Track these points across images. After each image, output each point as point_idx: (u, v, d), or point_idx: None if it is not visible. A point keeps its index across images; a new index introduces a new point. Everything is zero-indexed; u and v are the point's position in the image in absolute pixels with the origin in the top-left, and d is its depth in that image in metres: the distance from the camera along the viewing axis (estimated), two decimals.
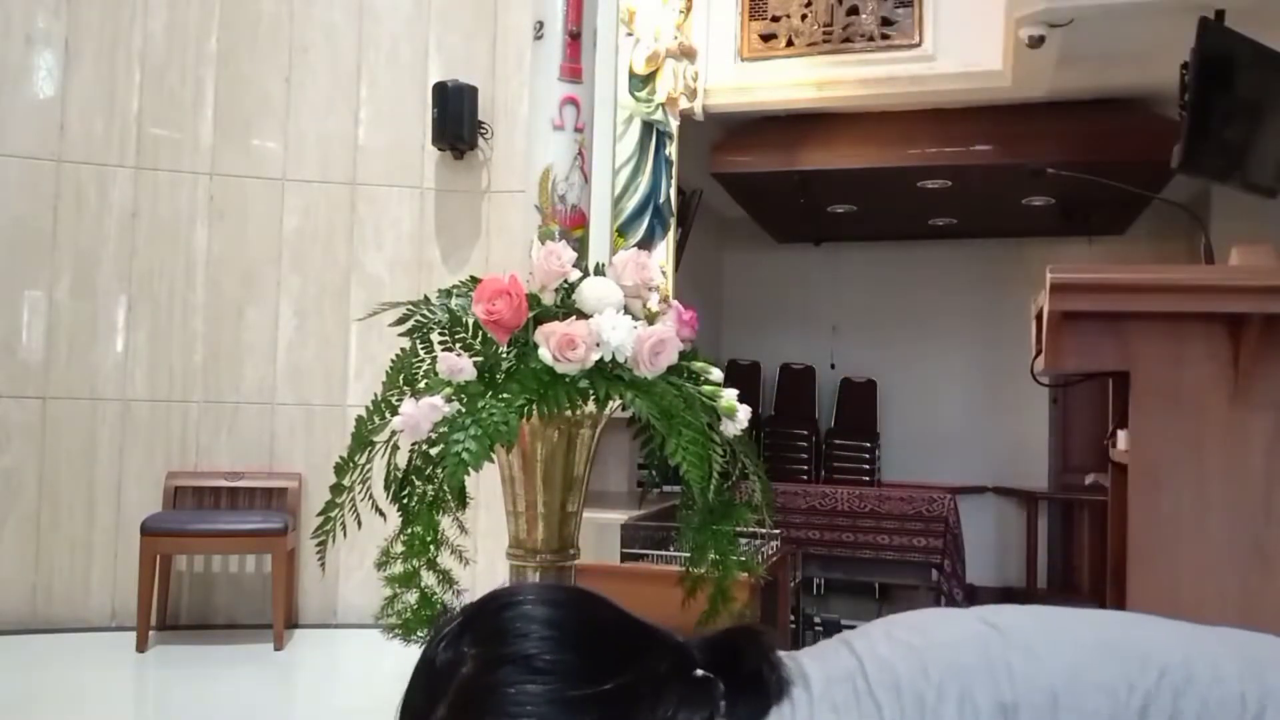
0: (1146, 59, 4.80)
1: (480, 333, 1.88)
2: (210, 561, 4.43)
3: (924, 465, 8.16)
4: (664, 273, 2.92)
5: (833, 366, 8.56)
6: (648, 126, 5.24)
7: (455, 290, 2.01)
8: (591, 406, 1.80)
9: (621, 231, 5.12)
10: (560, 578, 1.95)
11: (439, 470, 1.78)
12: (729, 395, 1.92)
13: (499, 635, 0.85)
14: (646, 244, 5.10)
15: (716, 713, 0.86)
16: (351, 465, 1.90)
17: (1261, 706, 0.83)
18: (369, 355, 4.50)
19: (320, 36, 4.62)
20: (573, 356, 1.68)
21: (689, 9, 5.51)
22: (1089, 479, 6.25)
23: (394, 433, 1.84)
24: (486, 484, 2.25)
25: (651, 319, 1.88)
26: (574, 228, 2.07)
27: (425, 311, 1.95)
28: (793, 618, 4.94)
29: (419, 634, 1.89)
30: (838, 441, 8.31)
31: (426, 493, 1.89)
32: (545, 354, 1.70)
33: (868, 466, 8.16)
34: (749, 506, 2.03)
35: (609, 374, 1.75)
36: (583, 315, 1.78)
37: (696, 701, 0.86)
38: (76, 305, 4.35)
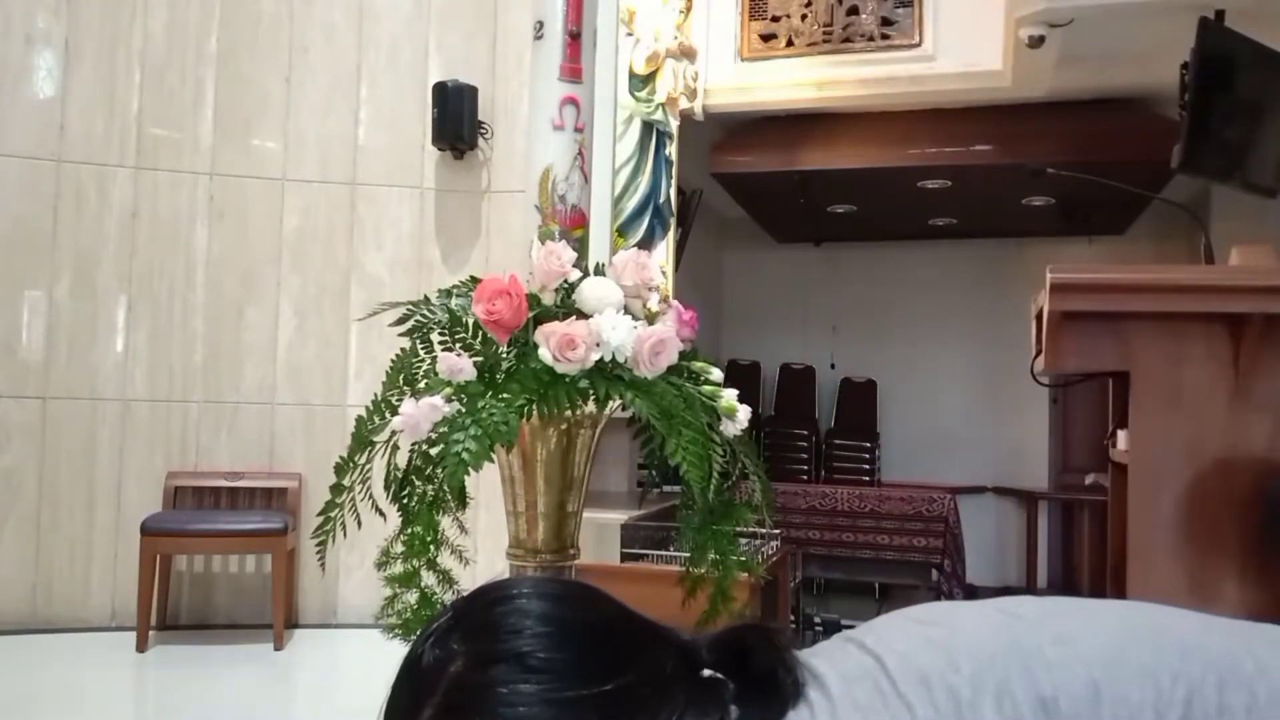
0: (1146, 59, 4.80)
1: (480, 333, 1.88)
2: (210, 561, 4.43)
3: (924, 465, 8.16)
4: (664, 273, 2.92)
5: (833, 366, 8.56)
6: (648, 126, 5.24)
7: (455, 290, 2.01)
8: (591, 406, 1.80)
9: (621, 231, 5.12)
10: (560, 577, 1.94)
11: (439, 470, 1.78)
12: (729, 395, 1.92)
13: (491, 632, 0.80)
14: (646, 244, 5.10)
15: (726, 716, 0.81)
16: (351, 465, 1.90)
17: None
18: (369, 355, 4.50)
19: (320, 36, 4.62)
20: (573, 356, 1.68)
21: (689, 9, 5.51)
22: (1089, 479, 6.25)
23: (394, 433, 1.84)
24: (486, 484, 2.25)
25: (651, 319, 1.88)
26: (574, 228, 2.06)
27: (425, 311, 1.95)
28: (793, 618, 4.94)
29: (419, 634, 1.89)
30: (838, 441, 8.30)
31: (426, 493, 1.89)
32: (545, 354, 1.70)
33: (868, 466, 8.16)
34: (749, 506, 2.03)
35: (609, 374, 1.75)
36: (583, 315, 1.78)
37: (704, 704, 0.81)
38: (76, 305, 4.35)
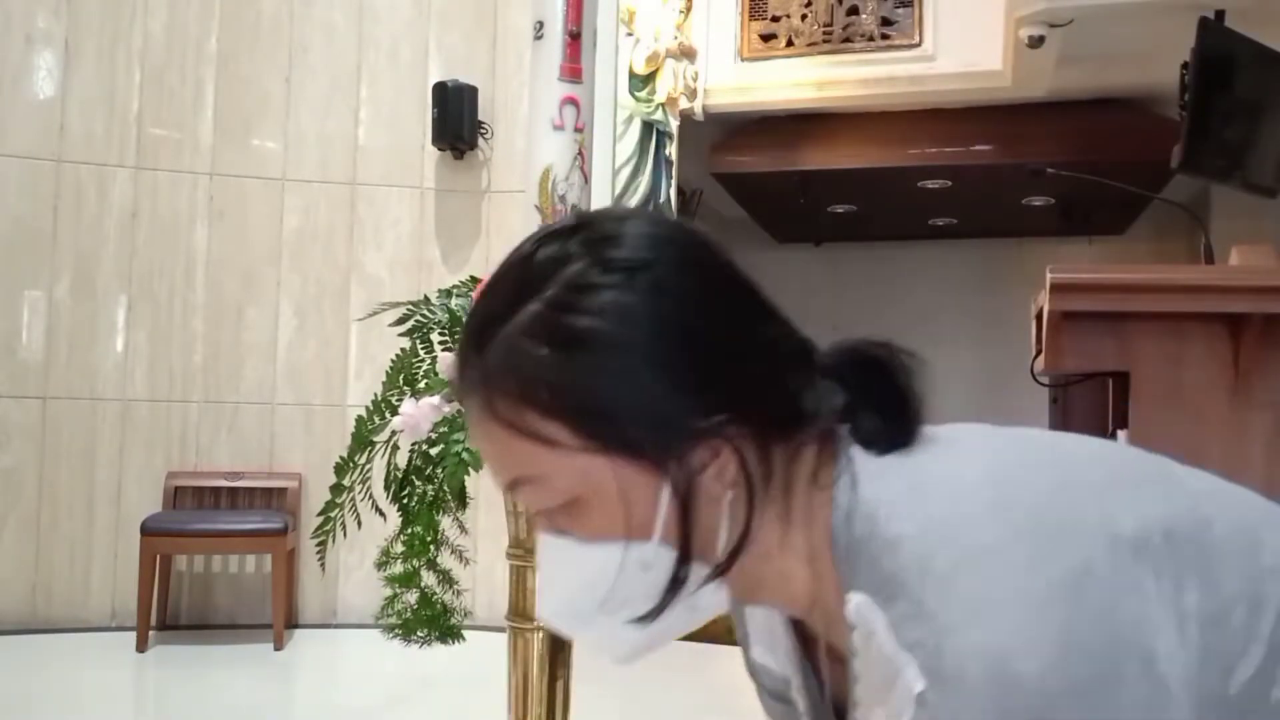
0: (1146, 59, 4.80)
1: None
2: (210, 561, 4.43)
3: None
4: None
5: None
6: (648, 126, 5.25)
7: (455, 290, 2.01)
8: None
9: None
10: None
11: (439, 470, 1.78)
12: None
13: (619, 242, 0.70)
14: None
15: (836, 433, 0.72)
16: (351, 465, 1.90)
17: None
18: (369, 355, 4.50)
19: (320, 36, 4.62)
20: None
21: (689, 9, 5.52)
22: None
23: (394, 433, 1.84)
24: (486, 484, 2.25)
25: None
26: None
27: (425, 311, 1.95)
28: None
29: (419, 634, 1.90)
30: None
31: (426, 493, 1.89)
32: None
33: None
34: None
35: None
36: None
37: (818, 402, 0.72)
38: (76, 305, 4.35)
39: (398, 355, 1.98)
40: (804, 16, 5.69)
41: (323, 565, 2.05)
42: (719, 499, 0.69)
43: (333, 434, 4.42)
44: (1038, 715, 0.58)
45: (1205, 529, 0.68)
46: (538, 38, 2.01)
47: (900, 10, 5.55)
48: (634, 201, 5.16)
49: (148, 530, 3.99)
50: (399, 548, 1.88)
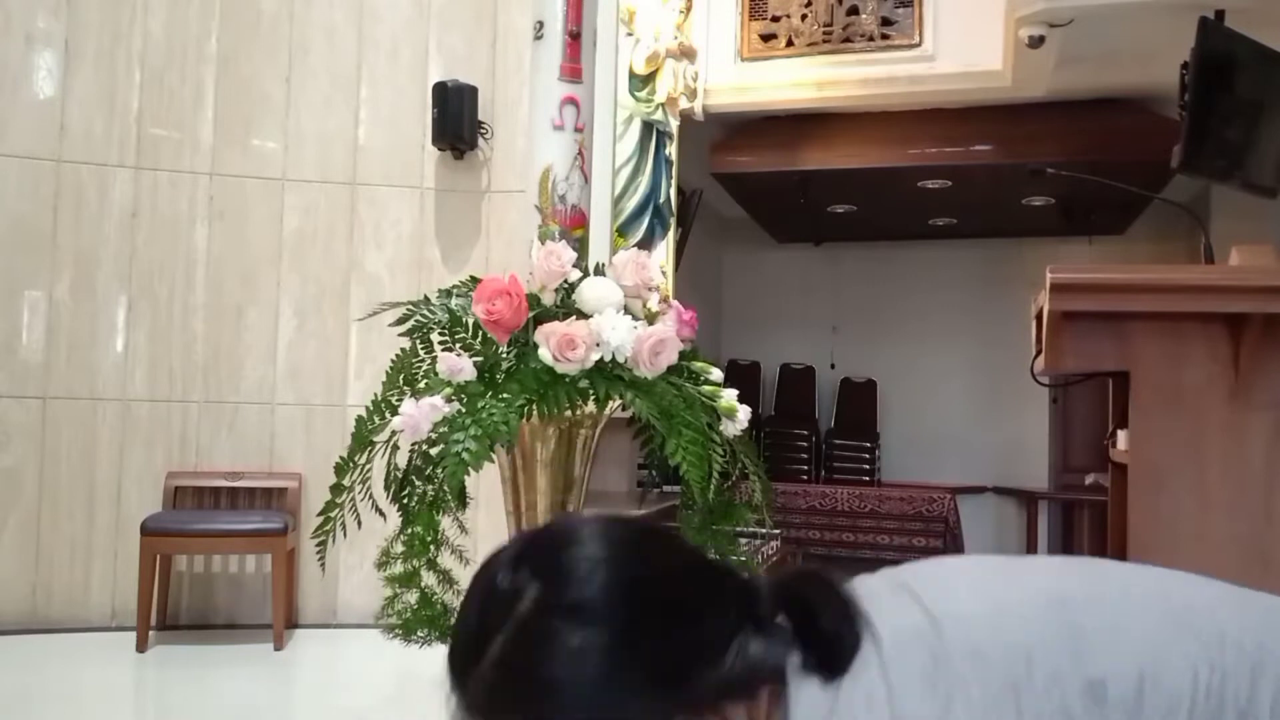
0: (1146, 59, 4.80)
1: (480, 333, 1.88)
2: (210, 561, 4.43)
3: (924, 465, 8.16)
4: (664, 273, 2.92)
5: (833, 366, 8.56)
6: (648, 126, 5.25)
7: (455, 290, 2.01)
8: (591, 406, 1.80)
9: (621, 231, 5.13)
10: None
11: (439, 470, 1.77)
12: (729, 395, 1.92)
13: (558, 575, 0.82)
14: (646, 244, 5.11)
15: (784, 669, 0.82)
16: (351, 465, 1.90)
17: None
18: (369, 355, 4.50)
19: (320, 36, 4.62)
20: (573, 356, 1.68)
21: (689, 9, 5.52)
22: (1089, 479, 6.25)
23: (394, 433, 1.84)
24: (486, 484, 2.25)
25: (651, 319, 1.88)
26: (574, 228, 2.07)
27: (425, 311, 1.95)
28: None
29: (419, 634, 1.90)
30: (838, 441, 8.30)
31: (426, 493, 1.89)
32: (545, 354, 1.70)
33: (868, 466, 8.16)
34: (749, 506, 2.03)
35: (609, 374, 1.75)
36: (583, 315, 1.78)
37: (763, 655, 0.82)
38: (76, 305, 4.35)
39: (398, 355, 1.98)
40: (804, 16, 5.69)
41: (323, 565, 2.05)
42: None
43: (333, 434, 4.42)
44: None
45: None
46: (538, 38, 2.01)
47: (900, 10, 5.55)
48: (634, 202, 5.16)
49: (148, 530, 3.99)
50: (399, 548, 1.88)
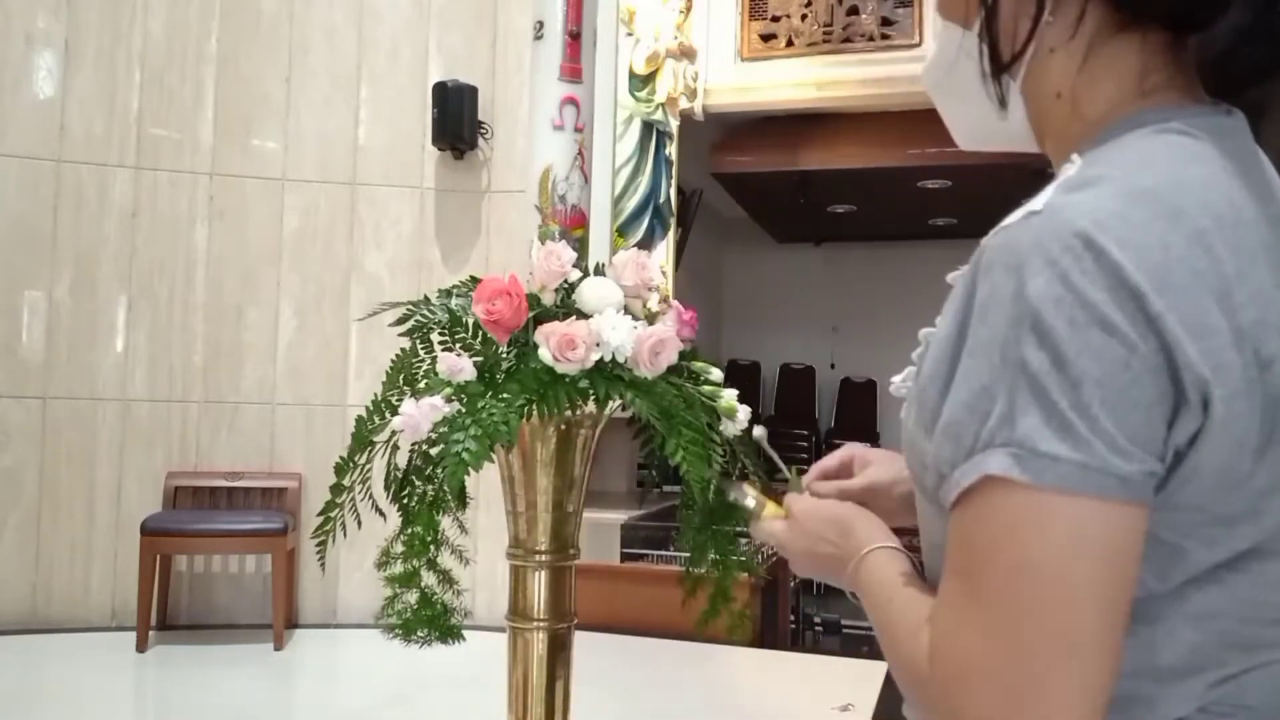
0: None
1: (480, 333, 1.88)
2: (210, 561, 4.43)
3: None
4: (664, 273, 2.92)
5: (833, 366, 8.57)
6: (648, 126, 5.25)
7: (455, 290, 2.01)
8: (591, 406, 1.80)
9: (621, 231, 5.13)
10: (560, 577, 1.95)
11: (439, 470, 1.77)
12: (729, 395, 1.92)
13: None
14: (646, 244, 5.11)
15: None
16: (351, 465, 1.90)
17: None
18: (369, 355, 4.51)
19: (320, 36, 4.62)
20: (573, 356, 1.68)
21: (689, 9, 5.52)
22: None
23: (394, 433, 1.84)
24: (486, 484, 2.25)
25: (651, 319, 1.88)
26: (574, 228, 2.06)
27: (425, 311, 1.95)
28: (793, 618, 4.94)
29: (419, 634, 1.90)
30: (838, 441, 8.28)
31: (426, 493, 1.89)
32: (545, 354, 1.70)
33: None
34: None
35: (609, 374, 1.75)
36: (583, 315, 1.78)
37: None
38: (76, 305, 4.35)
39: (398, 355, 1.97)
40: (804, 16, 5.69)
41: (323, 565, 2.04)
42: (1027, 13, 0.76)
43: (333, 434, 4.42)
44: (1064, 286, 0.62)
45: None
46: (538, 38, 2.01)
47: (900, 10, 5.55)
48: (634, 202, 5.16)
49: (148, 530, 3.99)
50: (399, 548, 1.88)
